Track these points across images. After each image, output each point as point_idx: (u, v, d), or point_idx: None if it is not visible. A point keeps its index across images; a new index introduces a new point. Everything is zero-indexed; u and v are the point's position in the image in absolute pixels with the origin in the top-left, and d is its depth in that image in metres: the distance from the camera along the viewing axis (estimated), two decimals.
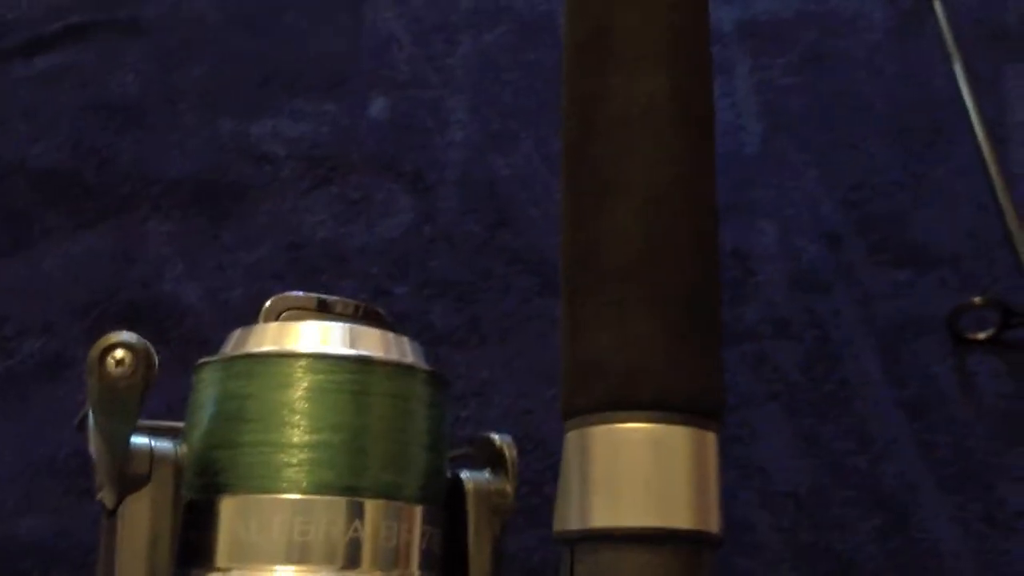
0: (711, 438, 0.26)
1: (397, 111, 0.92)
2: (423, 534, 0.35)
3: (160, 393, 0.72)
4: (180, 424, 0.38)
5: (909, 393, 0.74)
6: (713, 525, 0.25)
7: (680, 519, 0.25)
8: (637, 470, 0.25)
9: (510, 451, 0.37)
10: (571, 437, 0.27)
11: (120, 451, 0.32)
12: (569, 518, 0.26)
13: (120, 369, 0.32)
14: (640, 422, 0.25)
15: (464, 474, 0.37)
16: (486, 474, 0.37)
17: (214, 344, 0.76)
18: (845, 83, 0.92)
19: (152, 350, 0.33)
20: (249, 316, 0.80)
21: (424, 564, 0.34)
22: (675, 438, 0.25)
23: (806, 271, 0.81)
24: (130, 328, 0.79)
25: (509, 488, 0.37)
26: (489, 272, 0.83)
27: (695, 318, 0.26)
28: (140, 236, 0.83)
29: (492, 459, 0.38)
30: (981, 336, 0.76)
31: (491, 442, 0.38)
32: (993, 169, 0.82)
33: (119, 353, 0.32)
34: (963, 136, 0.84)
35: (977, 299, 0.77)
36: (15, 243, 0.83)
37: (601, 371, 0.26)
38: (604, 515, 0.25)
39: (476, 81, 0.95)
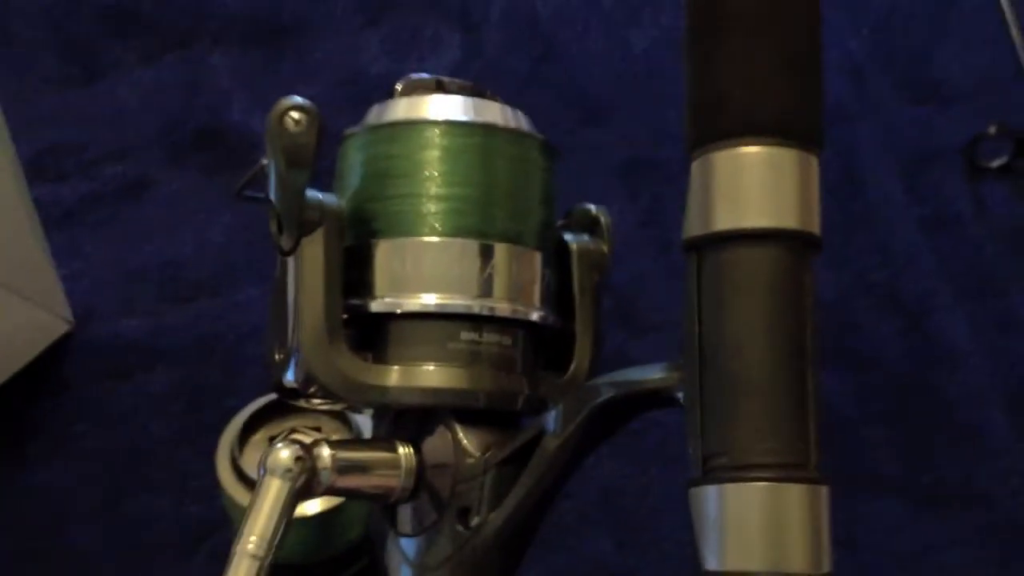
0: (815, 160, 0.32)
1: None
2: (541, 275, 0.41)
3: (233, 210, 0.78)
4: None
5: (927, 214, 0.81)
6: (815, 227, 0.32)
7: (789, 220, 0.31)
8: (755, 183, 0.31)
9: (604, 218, 0.43)
10: (696, 165, 0.32)
11: (298, 199, 0.37)
12: (694, 226, 0.32)
13: (298, 127, 0.37)
14: (759, 146, 0.31)
15: (567, 235, 0.43)
16: (585, 236, 0.43)
17: None
18: None
19: (320, 114, 0.38)
20: None
21: (542, 300, 0.41)
22: (787, 158, 0.31)
23: (832, 104, 0.86)
24: (202, 153, 0.84)
25: (605, 248, 0.43)
26: (534, 106, 0.88)
27: (806, 63, 0.32)
28: (203, 69, 0.88)
29: (588, 225, 0.44)
30: (995, 164, 0.82)
31: (587, 211, 0.44)
32: (1008, 8, 0.87)
33: (295, 114, 0.37)
34: None
35: (992, 129, 0.82)
36: (87, 74, 0.87)
37: (725, 104, 0.31)
38: (726, 219, 0.31)
39: None
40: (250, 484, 0.58)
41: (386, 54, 0.90)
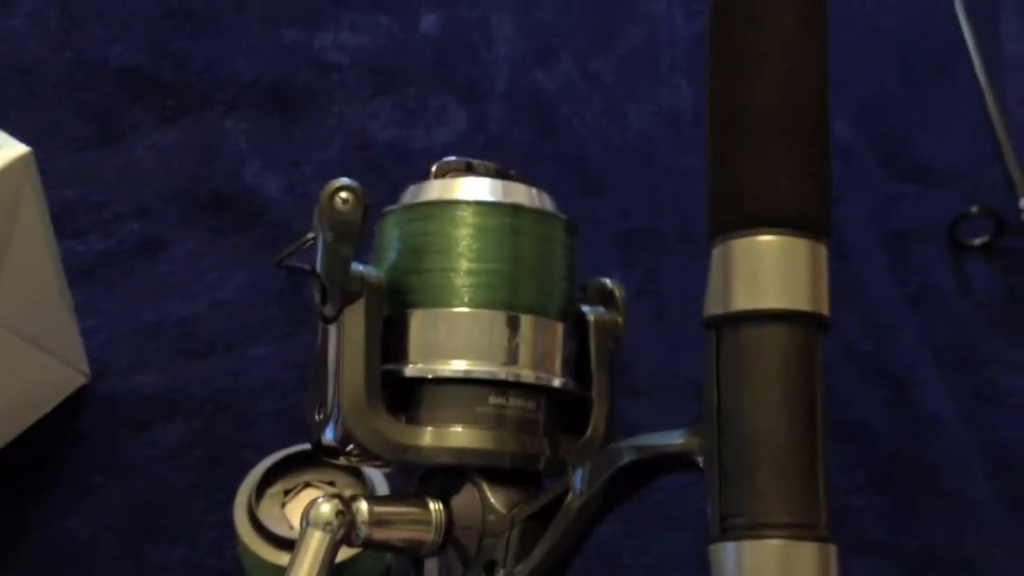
0: (823, 249, 0.36)
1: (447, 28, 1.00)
2: (563, 345, 0.44)
3: (247, 269, 0.81)
4: None
5: (912, 289, 0.85)
6: (824, 308, 0.35)
7: (802, 302, 0.35)
8: (772, 268, 0.35)
9: (619, 290, 0.47)
10: (717, 250, 0.36)
11: (343, 271, 0.41)
12: (715, 305, 0.36)
13: (346, 205, 0.40)
14: (774, 235, 0.35)
15: (585, 307, 0.46)
16: (601, 308, 0.46)
17: (294, 230, 0.85)
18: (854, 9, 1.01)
19: (365, 194, 0.41)
20: None
21: (564, 368, 0.44)
22: (799, 247, 0.35)
23: None
24: (217, 214, 0.87)
25: (620, 320, 0.46)
26: (535, 177, 0.92)
27: (818, 161, 0.36)
28: (219, 132, 0.91)
29: (604, 298, 0.47)
30: (977, 242, 0.86)
31: (603, 284, 0.47)
32: (988, 96, 0.92)
33: (344, 194, 0.41)
34: (964, 64, 0.93)
35: (974, 209, 0.86)
36: (106, 136, 0.90)
37: (745, 197, 0.35)
38: (744, 300, 0.35)
39: (519, 2, 1.03)
40: (265, 534, 0.61)
41: (395, 123, 0.94)
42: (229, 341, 0.79)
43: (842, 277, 0.85)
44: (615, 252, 0.89)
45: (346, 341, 0.41)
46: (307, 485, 0.64)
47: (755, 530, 0.34)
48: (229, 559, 0.64)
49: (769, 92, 0.35)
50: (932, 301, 0.84)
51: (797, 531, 0.34)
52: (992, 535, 0.74)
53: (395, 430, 0.41)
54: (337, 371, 0.41)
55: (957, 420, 0.78)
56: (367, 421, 0.41)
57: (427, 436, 0.42)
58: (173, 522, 0.70)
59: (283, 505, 0.64)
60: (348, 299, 0.41)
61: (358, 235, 0.41)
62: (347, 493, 0.48)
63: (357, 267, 0.42)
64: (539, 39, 1.01)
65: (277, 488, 0.64)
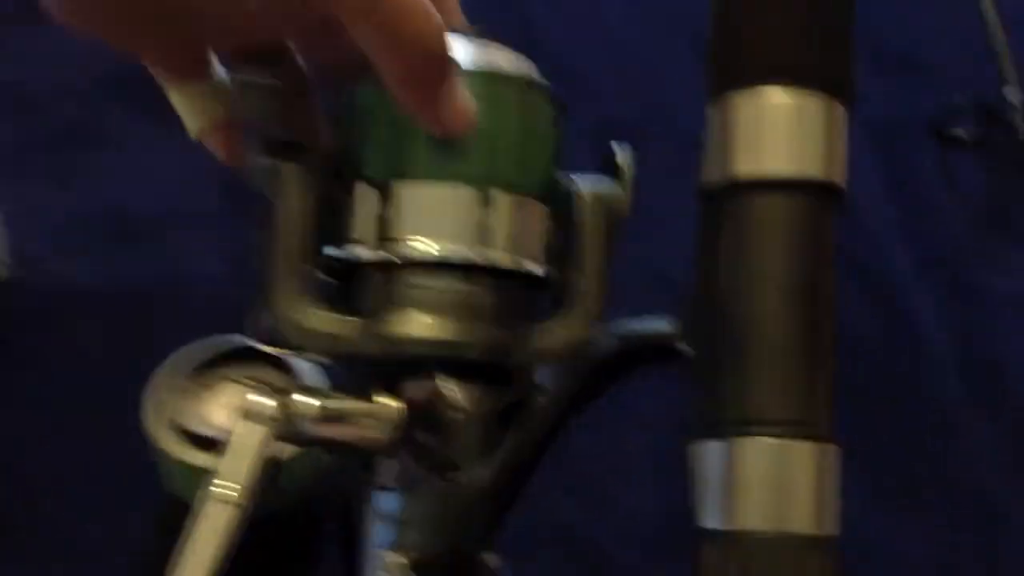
0: (842, 110, 0.31)
1: None
2: (546, 229, 0.39)
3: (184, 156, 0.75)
4: None
5: (900, 187, 0.80)
6: (838, 177, 0.30)
7: (814, 170, 0.30)
8: (779, 127, 0.30)
9: (623, 158, 0.39)
10: (715, 108, 0.31)
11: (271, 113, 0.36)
12: (712, 172, 0.31)
13: None
14: (784, 89, 0.30)
15: (582, 180, 0.39)
16: (601, 179, 0.40)
17: None
18: None
19: None
20: None
21: (545, 251, 0.39)
22: (813, 104, 0.30)
23: None
24: (153, 94, 0.81)
25: (623, 192, 0.39)
26: None
27: (836, 6, 0.30)
28: None
29: (607, 168, 0.41)
30: (965, 136, 0.82)
31: (608, 155, 0.41)
32: None
33: None
34: None
35: (961, 102, 0.82)
36: (28, 11, 0.83)
37: (748, 43, 0.30)
38: (746, 165, 0.30)
39: None
40: (182, 433, 0.55)
41: None
42: (162, 230, 0.73)
43: None
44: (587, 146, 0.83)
45: (281, 214, 0.36)
46: (229, 381, 0.58)
47: (746, 426, 0.30)
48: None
49: None
50: (917, 198, 0.80)
51: (793, 428, 0.30)
52: (970, 443, 0.71)
53: (336, 322, 0.36)
54: (271, 249, 0.36)
55: (941, 321, 0.75)
56: (302, 310, 0.36)
57: (380, 326, 0.37)
58: (94, 418, 0.65)
59: (200, 401, 0.58)
60: (282, 154, 0.36)
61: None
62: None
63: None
64: None
65: (193, 383, 0.58)
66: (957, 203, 0.80)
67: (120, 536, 0.64)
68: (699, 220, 0.31)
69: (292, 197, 0.36)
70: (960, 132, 0.82)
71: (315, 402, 0.36)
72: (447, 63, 0.33)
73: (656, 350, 0.33)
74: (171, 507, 0.54)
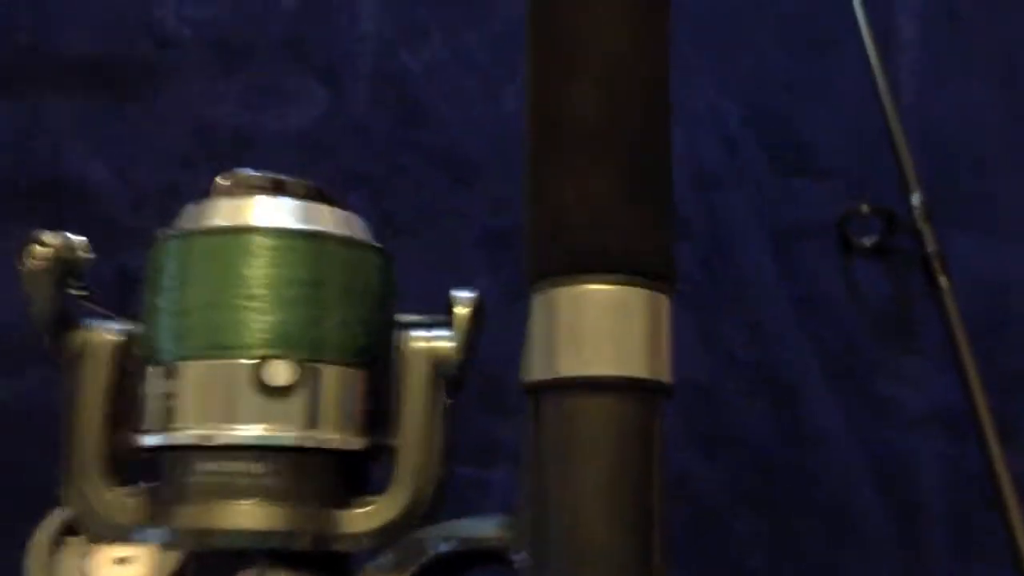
0: (664, 300, 0.28)
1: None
2: (367, 394, 0.36)
3: None
4: None
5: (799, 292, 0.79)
6: (665, 374, 0.28)
7: (639, 369, 0.28)
8: (602, 325, 0.28)
9: (459, 306, 0.37)
10: (537, 300, 0.29)
11: (55, 329, 0.35)
12: (535, 369, 0.28)
13: (36, 262, 0.35)
14: (605, 283, 0.27)
15: (405, 334, 0.37)
16: (430, 332, 0.37)
17: (121, 226, 0.76)
18: None
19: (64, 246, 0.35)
20: (157, 199, 0.79)
21: (369, 422, 0.36)
22: (636, 298, 0.28)
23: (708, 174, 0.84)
24: (33, 206, 0.77)
25: (453, 344, 0.36)
26: (400, 168, 0.84)
27: (655, 188, 0.28)
28: (39, 114, 0.81)
29: (442, 319, 0.38)
30: (867, 242, 0.81)
31: (449, 299, 0.37)
32: (880, 81, 0.86)
33: (32, 247, 0.35)
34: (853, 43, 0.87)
35: (864, 208, 0.81)
36: None
37: (565, 232, 0.28)
38: (570, 365, 0.28)
39: None
40: None
41: (243, 105, 0.85)
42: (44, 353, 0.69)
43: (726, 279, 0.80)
44: (485, 252, 0.81)
45: (74, 404, 0.34)
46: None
47: None
48: None
49: (593, 95, 0.27)
50: (820, 304, 0.79)
51: None
52: (877, 549, 0.69)
53: (128, 509, 0.34)
54: (68, 437, 0.34)
55: (846, 432, 0.73)
56: (96, 497, 0.34)
57: (177, 514, 0.34)
58: None
59: (84, 557, 0.55)
60: (72, 357, 0.34)
61: (52, 289, 0.33)
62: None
63: (88, 324, 0.34)
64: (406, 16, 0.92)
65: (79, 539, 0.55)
66: (864, 313, 0.78)
67: None
68: (523, 419, 0.29)
69: (87, 381, 0.34)
70: (864, 240, 0.81)
71: None
72: None
73: (487, 555, 0.31)
74: None
